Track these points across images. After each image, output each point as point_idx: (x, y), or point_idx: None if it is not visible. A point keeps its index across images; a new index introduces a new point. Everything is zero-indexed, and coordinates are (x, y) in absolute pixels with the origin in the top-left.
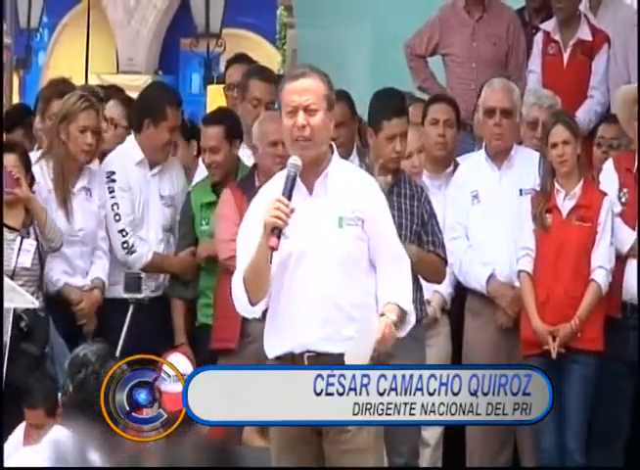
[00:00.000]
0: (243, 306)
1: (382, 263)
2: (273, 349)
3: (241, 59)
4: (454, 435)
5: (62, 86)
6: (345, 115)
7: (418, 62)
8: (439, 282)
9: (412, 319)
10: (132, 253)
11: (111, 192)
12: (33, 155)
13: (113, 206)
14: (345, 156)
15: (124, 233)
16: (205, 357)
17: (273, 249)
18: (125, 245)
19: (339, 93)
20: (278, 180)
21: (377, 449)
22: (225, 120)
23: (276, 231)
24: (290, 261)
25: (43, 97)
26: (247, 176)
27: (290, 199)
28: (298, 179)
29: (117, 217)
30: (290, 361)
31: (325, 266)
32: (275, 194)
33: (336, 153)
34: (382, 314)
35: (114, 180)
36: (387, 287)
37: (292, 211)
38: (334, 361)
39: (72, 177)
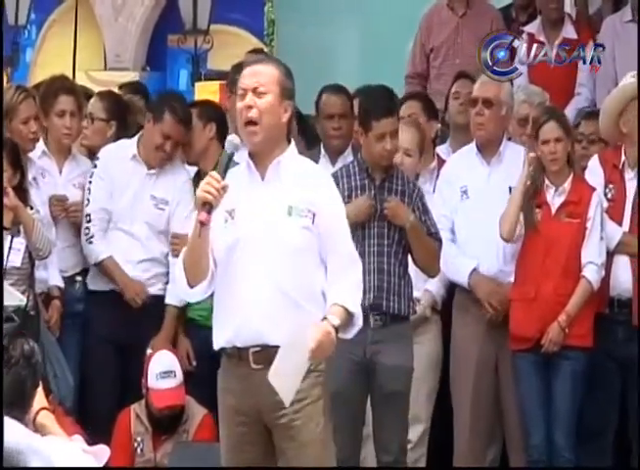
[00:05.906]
0: (181, 288)
1: (331, 262)
2: (218, 339)
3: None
4: (439, 434)
5: (66, 82)
6: (346, 107)
7: (416, 83)
8: (432, 272)
9: (359, 322)
10: (90, 243)
11: (90, 176)
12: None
13: (87, 190)
14: (343, 148)
15: (88, 219)
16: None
17: (203, 223)
18: (87, 231)
19: (339, 87)
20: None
21: (325, 444)
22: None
23: (206, 206)
24: (237, 246)
25: (47, 93)
26: None
27: (224, 176)
28: (252, 165)
29: (87, 202)
30: (236, 356)
31: (271, 253)
32: (229, 178)
33: (292, 145)
34: (324, 318)
35: (95, 165)
36: (334, 287)
37: (223, 187)
38: None
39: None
